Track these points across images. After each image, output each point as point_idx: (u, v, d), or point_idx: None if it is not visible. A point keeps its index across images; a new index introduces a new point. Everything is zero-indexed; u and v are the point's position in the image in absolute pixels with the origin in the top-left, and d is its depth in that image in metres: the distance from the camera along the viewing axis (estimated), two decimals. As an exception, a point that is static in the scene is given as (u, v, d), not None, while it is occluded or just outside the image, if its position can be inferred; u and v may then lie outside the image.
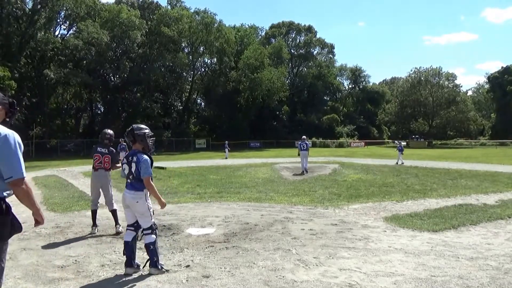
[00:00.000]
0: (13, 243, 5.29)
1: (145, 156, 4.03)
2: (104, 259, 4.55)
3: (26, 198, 2.43)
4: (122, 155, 18.13)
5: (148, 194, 4.08)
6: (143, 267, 4.10)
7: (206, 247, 4.95)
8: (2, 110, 2.53)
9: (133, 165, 3.99)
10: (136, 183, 4.00)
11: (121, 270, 4.11)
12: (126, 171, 4.07)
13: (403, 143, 21.83)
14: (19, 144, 2.43)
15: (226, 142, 30.36)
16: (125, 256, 4.08)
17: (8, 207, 2.40)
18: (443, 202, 8.23)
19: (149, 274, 3.94)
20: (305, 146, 16.18)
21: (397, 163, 19.23)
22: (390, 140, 67.75)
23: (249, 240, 5.28)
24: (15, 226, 2.44)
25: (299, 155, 16.68)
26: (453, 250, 4.77)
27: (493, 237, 5.45)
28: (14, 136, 2.42)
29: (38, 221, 2.62)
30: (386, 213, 7.12)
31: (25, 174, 2.42)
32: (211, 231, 5.84)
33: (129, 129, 4.14)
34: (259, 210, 7.57)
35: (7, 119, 2.58)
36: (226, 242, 5.17)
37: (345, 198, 9.05)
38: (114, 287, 3.72)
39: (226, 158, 26.90)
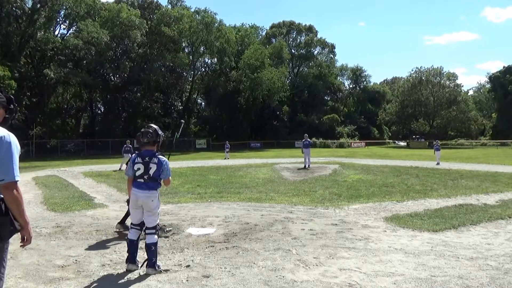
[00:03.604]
0: (14, 242, 5.28)
1: (165, 158, 4.19)
2: (104, 258, 4.55)
3: (15, 204, 2.30)
4: (125, 156, 18.13)
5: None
6: (141, 266, 4.11)
7: (206, 247, 4.95)
8: (1, 111, 2.44)
9: (152, 166, 4.07)
10: (151, 182, 4.09)
11: (121, 270, 4.11)
12: (141, 171, 4.09)
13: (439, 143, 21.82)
14: (15, 146, 2.34)
15: (227, 142, 30.21)
16: (128, 253, 4.11)
17: (8, 208, 2.32)
18: (443, 202, 8.23)
19: (149, 274, 3.95)
20: (307, 143, 18.15)
21: (438, 163, 19.19)
22: (391, 140, 67.81)
23: (249, 240, 5.28)
24: (15, 226, 2.36)
25: (303, 152, 18.07)
26: (453, 250, 4.77)
27: (493, 237, 5.45)
28: (10, 138, 2.32)
29: (25, 238, 2.40)
30: (386, 213, 7.12)
31: (18, 178, 2.31)
32: (211, 231, 5.84)
33: (153, 129, 4.18)
34: (259, 210, 7.57)
35: (7, 116, 2.49)
36: (226, 242, 5.18)
37: (346, 198, 9.05)
38: (114, 287, 3.72)
39: (226, 158, 26.80)
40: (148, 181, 4.07)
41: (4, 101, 2.46)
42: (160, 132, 4.24)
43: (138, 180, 4.10)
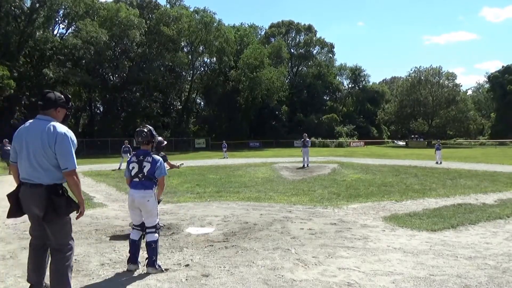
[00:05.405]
0: (14, 241, 5.30)
1: (159, 157, 4.19)
2: (104, 258, 4.55)
3: (75, 187, 2.96)
4: (124, 156, 18.18)
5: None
6: (143, 266, 4.11)
7: (206, 247, 4.96)
8: (63, 110, 3.00)
9: (146, 164, 4.06)
10: (146, 181, 4.05)
11: (121, 269, 4.12)
12: (135, 170, 4.08)
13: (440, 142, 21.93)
14: (73, 141, 2.94)
15: (224, 141, 30.06)
16: (129, 253, 4.11)
17: (64, 191, 2.96)
18: (442, 202, 8.25)
19: (149, 273, 3.95)
20: (306, 143, 18.10)
21: (437, 162, 19.54)
22: (390, 140, 67.89)
23: (248, 239, 5.29)
24: (71, 205, 3.00)
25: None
26: (451, 249, 4.78)
27: (492, 236, 5.46)
28: (70, 135, 2.93)
29: (81, 211, 3.11)
30: (385, 213, 7.13)
31: (76, 166, 2.95)
32: (210, 230, 5.85)
33: (147, 129, 4.22)
34: (259, 209, 7.58)
35: (68, 113, 3.09)
36: (226, 242, 5.18)
37: (344, 197, 9.06)
38: (113, 286, 3.72)
39: (224, 158, 26.79)
40: (143, 179, 4.05)
41: (64, 101, 3.01)
42: (154, 133, 4.27)
43: (134, 180, 4.09)
